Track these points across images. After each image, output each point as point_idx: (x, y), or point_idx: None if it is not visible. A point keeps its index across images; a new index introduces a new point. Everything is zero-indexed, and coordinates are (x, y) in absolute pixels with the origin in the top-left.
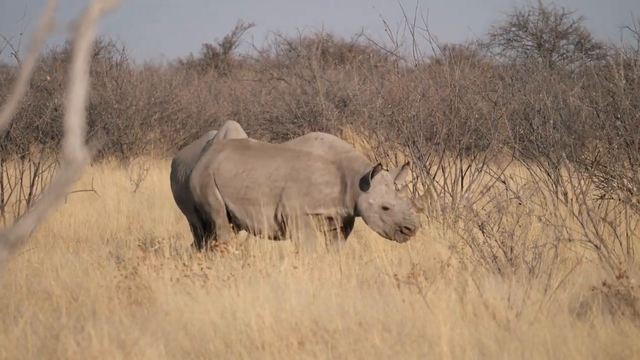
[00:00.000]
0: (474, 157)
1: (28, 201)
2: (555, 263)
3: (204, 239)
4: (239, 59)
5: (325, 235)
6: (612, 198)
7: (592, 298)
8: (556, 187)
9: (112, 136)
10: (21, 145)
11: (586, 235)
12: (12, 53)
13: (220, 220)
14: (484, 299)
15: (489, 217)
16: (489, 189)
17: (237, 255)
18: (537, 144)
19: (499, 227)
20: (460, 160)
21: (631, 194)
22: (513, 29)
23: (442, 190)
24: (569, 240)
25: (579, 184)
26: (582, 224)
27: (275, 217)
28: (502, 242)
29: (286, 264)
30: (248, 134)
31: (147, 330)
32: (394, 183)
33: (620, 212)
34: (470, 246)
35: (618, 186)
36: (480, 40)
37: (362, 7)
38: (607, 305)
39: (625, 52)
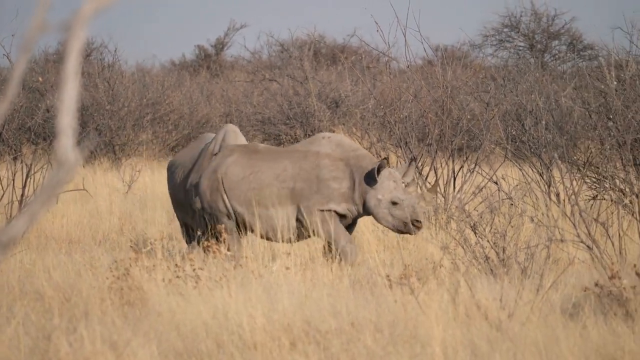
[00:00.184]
0: (466, 158)
1: (20, 202)
2: (548, 264)
3: (196, 240)
4: (231, 60)
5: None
6: (604, 199)
7: (584, 299)
8: (548, 187)
9: (104, 137)
10: (13, 146)
11: (578, 236)
12: (4, 54)
13: (230, 224)
14: (476, 299)
15: (481, 217)
16: (481, 189)
17: (229, 256)
18: (529, 145)
19: (491, 228)
20: (453, 161)
21: (623, 194)
22: (505, 29)
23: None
24: (561, 240)
25: (571, 184)
26: (574, 224)
27: (283, 218)
28: (494, 243)
29: (278, 264)
30: None
31: (139, 331)
32: (403, 180)
33: (612, 213)
34: (463, 247)
35: (610, 187)
36: (472, 41)
37: (354, 8)
38: (599, 306)
39: (617, 53)
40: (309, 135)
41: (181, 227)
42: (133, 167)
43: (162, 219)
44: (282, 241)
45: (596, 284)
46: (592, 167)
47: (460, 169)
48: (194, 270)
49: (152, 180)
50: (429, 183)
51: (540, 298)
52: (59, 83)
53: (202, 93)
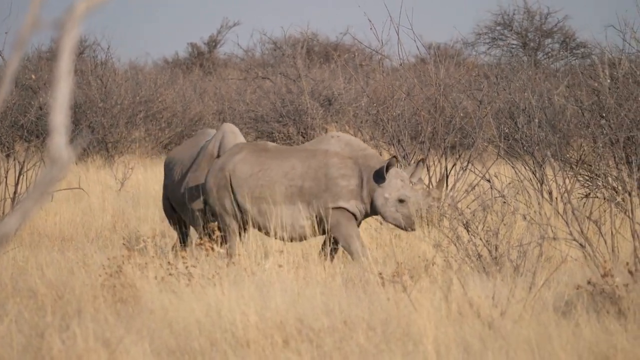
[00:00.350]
0: (459, 156)
1: (13, 200)
2: (540, 262)
3: (188, 237)
4: (224, 57)
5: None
6: (597, 197)
7: (577, 296)
8: (541, 185)
9: (97, 135)
10: (6, 143)
11: (571, 234)
12: None
13: (234, 224)
14: (468, 297)
15: (473, 215)
16: (473, 187)
17: (222, 253)
18: (522, 143)
19: (483, 226)
20: (445, 159)
21: (616, 192)
22: (498, 27)
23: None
24: (554, 238)
25: (564, 182)
26: (566, 222)
27: (289, 216)
28: (486, 241)
29: (271, 262)
30: None
31: (132, 329)
32: (411, 180)
33: (605, 211)
34: (455, 245)
35: (603, 185)
36: (465, 39)
37: (347, 6)
38: (591, 304)
39: (610, 51)
40: (302, 133)
41: (171, 225)
42: (126, 164)
43: (155, 216)
44: (289, 239)
45: (589, 282)
46: (585, 165)
47: (453, 167)
48: (186, 267)
49: (145, 178)
50: (433, 181)
51: (533, 296)
52: (52, 81)
53: (195, 91)
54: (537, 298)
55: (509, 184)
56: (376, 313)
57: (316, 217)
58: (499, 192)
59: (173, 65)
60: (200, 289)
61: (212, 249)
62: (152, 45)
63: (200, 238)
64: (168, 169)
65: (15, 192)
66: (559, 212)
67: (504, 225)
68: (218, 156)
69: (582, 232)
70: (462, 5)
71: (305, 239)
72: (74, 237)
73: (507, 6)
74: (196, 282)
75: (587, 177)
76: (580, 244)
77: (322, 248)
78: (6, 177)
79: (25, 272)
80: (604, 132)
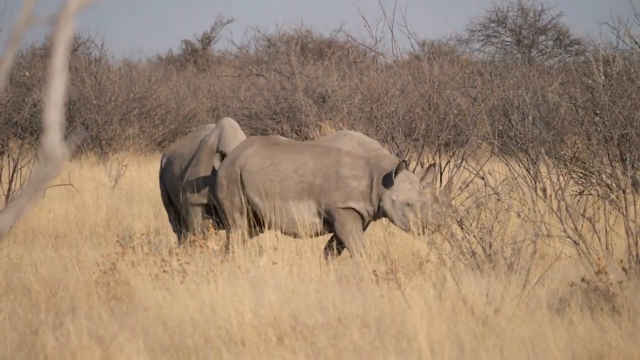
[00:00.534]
0: (453, 153)
1: (7, 197)
2: (534, 259)
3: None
4: (218, 54)
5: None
6: (591, 194)
7: (571, 294)
8: (535, 183)
9: (91, 132)
10: (0, 140)
11: (565, 231)
12: None
13: (242, 220)
14: (462, 294)
15: (467, 213)
16: (467, 184)
17: (216, 250)
18: (516, 140)
19: (477, 223)
20: (439, 156)
21: (610, 189)
22: (492, 25)
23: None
24: (548, 236)
25: (558, 180)
26: (560, 220)
27: (299, 212)
28: (480, 238)
29: (265, 259)
30: None
31: (126, 326)
32: (422, 184)
33: (599, 208)
34: (449, 242)
35: (597, 182)
36: (459, 36)
37: (341, 3)
38: (585, 301)
39: (604, 48)
40: (295, 130)
41: (170, 221)
42: (120, 161)
43: (149, 213)
44: (299, 236)
45: (583, 279)
46: (579, 163)
47: (447, 164)
48: (180, 265)
49: (139, 175)
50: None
51: (527, 293)
52: (46, 78)
53: (189, 88)
54: (531, 295)
55: (503, 181)
56: (370, 310)
57: (323, 214)
58: (493, 189)
59: (167, 62)
60: (195, 286)
61: (206, 245)
62: (146, 42)
63: (194, 234)
64: (168, 162)
65: (9, 190)
66: (553, 210)
67: (498, 222)
68: (217, 150)
69: (576, 229)
70: (456, 2)
71: (316, 236)
72: (68, 234)
73: (500, 3)
74: (190, 279)
75: (581, 175)
76: (574, 242)
77: (328, 245)
78: (0, 174)
79: (19, 269)
80: (598, 129)
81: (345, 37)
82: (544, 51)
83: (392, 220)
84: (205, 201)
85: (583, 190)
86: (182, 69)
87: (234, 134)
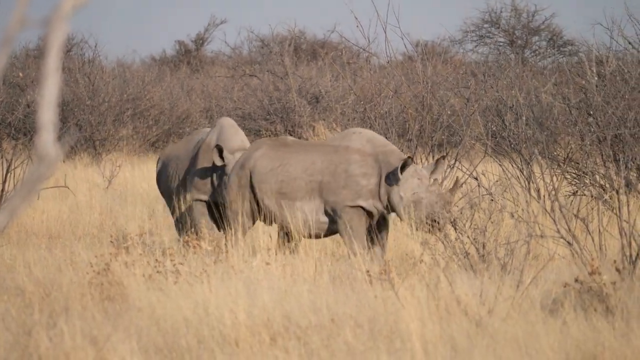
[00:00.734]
0: (446, 154)
1: (0, 198)
2: (528, 259)
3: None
4: (212, 55)
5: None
6: (585, 194)
7: (564, 294)
8: (528, 183)
9: (85, 133)
10: None
11: (558, 232)
12: None
13: (249, 223)
14: (456, 295)
15: (461, 213)
16: (461, 185)
17: (210, 251)
18: (510, 141)
19: (471, 224)
20: (433, 157)
21: (603, 190)
22: (485, 25)
23: None
24: (541, 236)
25: (551, 180)
26: (554, 220)
27: (310, 212)
28: (474, 239)
29: (258, 260)
30: None
31: (119, 326)
32: (432, 177)
33: (592, 209)
34: (443, 242)
35: (590, 182)
36: (452, 37)
37: (334, 3)
38: (579, 302)
39: (597, 49)
40: (289, 130)
41: (175, 220)
42: (113, 162)
43: (143, 214)
44: (309, 236)
45: (576, 280)
46: (572, 163)
47: None
48: (174, 265)
49: (133, 176)
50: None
51: (520, 294)
52: (40, 78)
53: (182, 88)
54: (524, 296)
55: (497, 181)
56: (363, 310)
57: (330, 212)
58: (487, 189)
59: (160, 63)
60: (188, 286)
61: (199, 246)
62: (140, 43)
63: (186, 233)
64: (163, 165)
65: (2, 190)
66: (546, 210)
67: (492, 223)
68: (216, 146)
69: (569, 230)
70: (450, 2)
71: (328, 235)
72: (62, 234)
73: (494, 4)
74: (184, 280)
75: (574, 175)
76: (568, 242)
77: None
78: None
79: (13, 269)
80: (592, 129)
81: (339, 37)
82: (537, 52)
83: (399, 217)
84: (205, 199)
85: (576, 191)
86: (176, 69)
87: (235, 132)
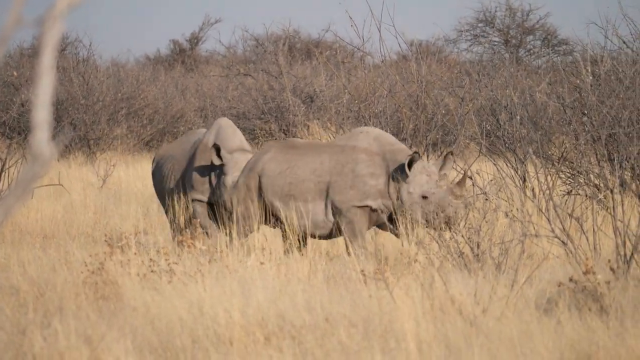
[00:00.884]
0: (441, 153)
1: None
2: (522, 259)
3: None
4: (206, 54)
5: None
6: (579, 194)
7: (559, 294)
8: (523, 182)
9: (79, 132)
10: None
11: (553, 231)
12: None
13: (254, 226)
14: (450, 294)
15: (455, 213)
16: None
17: (204, 250)
18: (504, 140)
19: (465, 223)
20: (427, 156)
21: (598, 189)
22: (480, 24)
23: None
24: (536, 236)
25: (546, 179)
26: (548, 219)
27: (321, 213)
28: (468, 238)
29: (253, 259)
30: None
31: (114, 326)
32: (441, 173)
33: (587, 208)
34: (437, 242)
35: (585, 182)
36: (447, 36)
37: (329, 3)
38: (573, 301)
39: (591, 48)
40: (283, 130)
41: (170, 220)
42: (108, 161)
43: (137, 213)
44: (319, 237)
45: (570, 279)
46: (567, 162)
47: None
48: (168, 264)
49: (127, 175)
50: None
51: (515, 293)
52: (34, 77)
53: (176, 88)
54: (519, 295)
55: (491, 181)
56: (358, 310)
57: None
58: (481, 189)
59: (155, 62)
60: (183, 286)
61: (194, 245)
62: (134, 42)
63: (181, 233)
64: (158, 166)
65: None
66: (540, 210)
67: (486, 222)
68: (214, 146)
69: (564, 229)
70: (444, 2)
71: (338, 236)
72: (56, 234)
73: (488, 3)
74: (178, 279)
75: (568, 174)
76: (562, 241)
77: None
78: None
79: (7, 269)
80: (586, 129)
81: (333, 37)
82: (531, 51)
83: (409, 214)
84: (204, 199)
85: (571, 190)
86: (170, 68)
87: (233, 132)
